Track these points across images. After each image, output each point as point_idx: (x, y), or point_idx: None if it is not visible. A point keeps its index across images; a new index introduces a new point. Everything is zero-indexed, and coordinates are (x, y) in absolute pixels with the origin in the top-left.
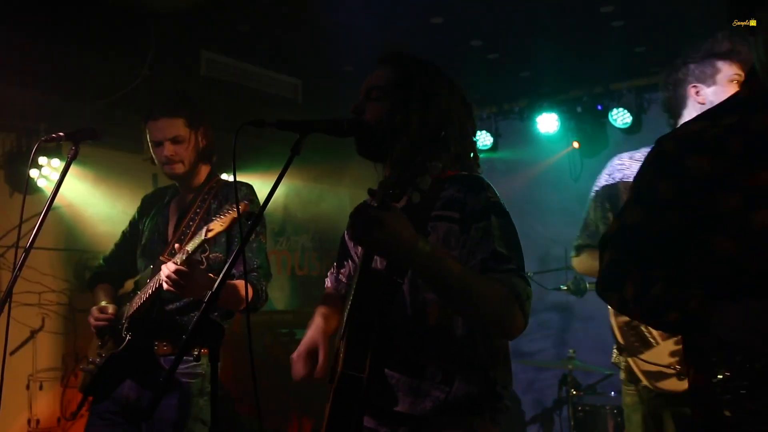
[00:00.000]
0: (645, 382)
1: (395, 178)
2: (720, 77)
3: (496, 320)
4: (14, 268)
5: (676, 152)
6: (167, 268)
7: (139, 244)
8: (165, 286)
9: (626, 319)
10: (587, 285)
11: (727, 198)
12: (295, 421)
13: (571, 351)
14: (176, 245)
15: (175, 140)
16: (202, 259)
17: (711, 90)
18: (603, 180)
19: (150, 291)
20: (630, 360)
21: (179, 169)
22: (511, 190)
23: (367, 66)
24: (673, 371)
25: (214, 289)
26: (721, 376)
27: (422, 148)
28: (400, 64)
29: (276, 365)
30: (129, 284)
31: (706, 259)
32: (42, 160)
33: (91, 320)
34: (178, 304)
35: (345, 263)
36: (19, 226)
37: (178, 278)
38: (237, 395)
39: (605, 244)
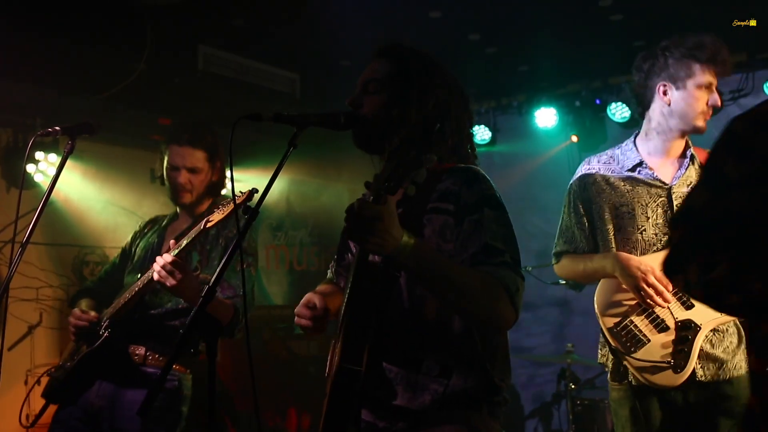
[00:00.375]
0: (640, 379)
1: (390, 171)
2: (691, 83)
3: (484, 313)
4: (11, 264)
5: (746, 132)
6: (162, 259)
7: (130, 263)
8: (156, 276)
9: (616, 320)
10: None
11: None
12: (294, 416)
13: (569, 345)
14: (171, 242)
15: (193, 170)
16: (198, 275)
17: (678, 94)
18: (577, 189)
19: (135, 290)
20: (624, 359)
21: (187, 198)
22: (510, 184)
23: (365, 61)
24: (667, 365)
25: (211, 284)
26: None
27: (418, 140)
28: (397, 56)
29: (274, 361)
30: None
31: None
32: (39, 155)
33: (72, 320)
34: (161, 309)
35: (345, 257)
36: (16, 221)
37: (173, 269)
38: (236, 390)
39: (675, 223)
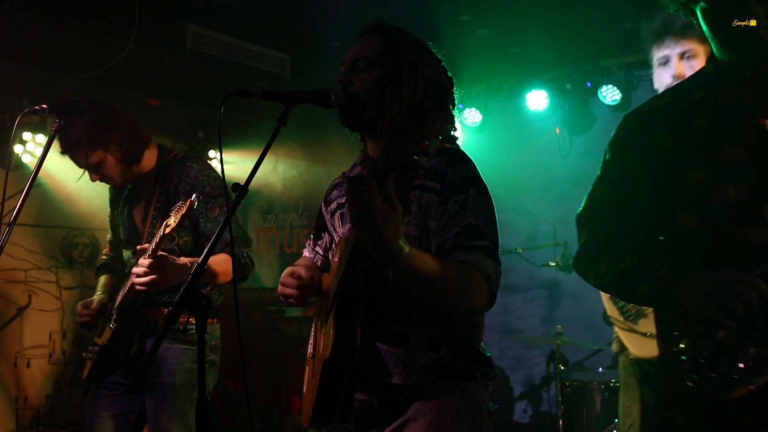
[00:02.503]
0: (631, 349)
1: (399, 141)
2: (654, 64)
3: (464, 303)
4: None
5: (640, 128)
6: (135, 273)
7: (119, 236)
8: (139, 287)
9: None
10: None
11: (690, 173)
12: (284, 398)
13: (559, 327)
14: (138, 247)
15: (92, 169)
16: (174, 247)
17: (655, 78)
18: None
19: (130, 283)
20: (618, 332)
21: (116, 183)
22: (500, 167)
23: (355, 41)
24: (648, 336)
25: (200, 261)
26: (682, 346)
27: (427, 112)
28: (385, 34)
29: (265, 343)
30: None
31: (672, 234)
32: (26, 135)
33: (77, 319)
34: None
35: (322, 235)
36: (2, 202)
37: (149, 278)
38: (227, 371)
39: (580, 222)
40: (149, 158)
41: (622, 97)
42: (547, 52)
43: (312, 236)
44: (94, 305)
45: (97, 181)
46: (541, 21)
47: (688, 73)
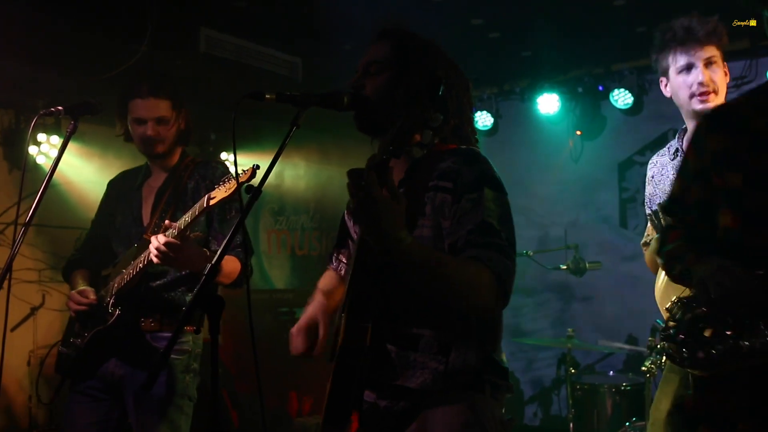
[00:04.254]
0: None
1: (395, 132)
2: (672, 71)
3: (474, 303)
4: (13, 245)
5: (703, 128)
6: (157, 241)
7: (113, 228)
8: (155, 259)
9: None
10: (587, 265)
11: (732, 176)
12: (295, 399)
13: (570, 330)
14: (166, 221)
15: (160, 121)
16: (190, 236)
17: (670, 84)
18: (645, 186)
19: (138, 267)
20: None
21: (159, 149)
22: (512, 170)
23: (367, 45)
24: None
25: (214, 262)
26: (672, 323)
27: (420, 105)
28: (397, 38)
29: (275, 344)
30: (108, 271)
31: (714, 231)
32: (41, 137)
33: (72, 305)
34: (164, 280)
35: (345, 243)
36: (18, 203)
37: (168, 250)
38: (236, 373)
39: (662, 210)
40: (176, 155)
41: (634, 101)
42: (559, 56)
43: (335, 245)
44: (92, 295)
45: (138, 143)
46: (553, 24)
47: (715, 78)
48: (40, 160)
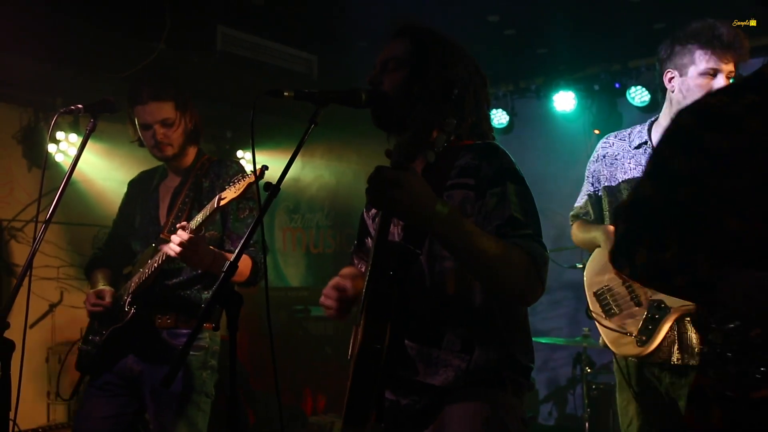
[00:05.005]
0: (608, 344)
1: (410, 137)
2: (692, 69)
3: (513, 285)
4: (33, 242)
5: (693, 127)
6: (178, 237)
7: (132, 228)
8: (172, 254)
9: (599, 286)
10: None
11: (737, 177)
12: (309, 397)
13: (585, 329)
14: (180, 223)
15: (165, 123)
16: (204, 235)
17: (681, 81)
18: (591, 160)
19: (154, 266)
20: (598, 326)
21: (169, 151)
22: (527, 168)
23: (382, 42)
24: (629, 336)
25: (233, 259)
26: (711, 338)
27: (436, 107)
28: (415, 35)
29: (290, 342)
30: (128, 269)
31: (717, 235)
32: (60, 135)
33: (87, 306)
34: (180, 278)
35: (365, 241)
36: (38, 200)
37: (187, 246)
38: (251, 370)
39: (617, 215)
40: (191, 154)
41: (651, 99)
42: (575, 53)
43: (356, 243)
44: (108, 297)
45: (149, 148)
46: (569, 21)
47: None
48: (59, 158)
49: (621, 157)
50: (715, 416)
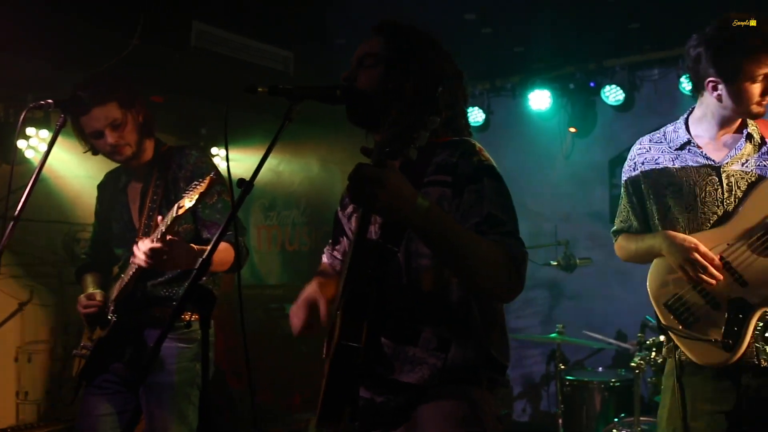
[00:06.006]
0: (689, 355)
1: (392, 134)
2: (741, 78)
3: (493, 282)
4: (1, 239)
5: None
6: (143, 246)
7: (111, 233)
8: (144, 265)
9: (668, 296)
10: (577, 261)
11: None
12: (286, 394)
13: (559, 326)
14: (159, 217)
15: (114, 125)
16: (178, 231)
17: (728, 88)
18: (627, 169)
19: (132, 272)
20: (675, 340)
21: (128, 151)
22: (503, 166)
23: (360, 39)
24: (714, 342)
25: (205, 256)
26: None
27: (419, 105)
28: (393, 32)
29: (266, 339)
30: (115, 270)
31: None
32: (30, 130)
33: (80, 308)
34: (160, 278)
35: (340, 240)
36: (7, 197)
37: (153, 256)
38: (228, 368)
39: None
40: (149, 148)
41: (625, 98)
42: (551, 52)
43: (330, 241)
44: (99, 297)
45: (105, 155)
46: (545, 20)
47: None
48: (29, 155)
49: (662, 160)
50: None
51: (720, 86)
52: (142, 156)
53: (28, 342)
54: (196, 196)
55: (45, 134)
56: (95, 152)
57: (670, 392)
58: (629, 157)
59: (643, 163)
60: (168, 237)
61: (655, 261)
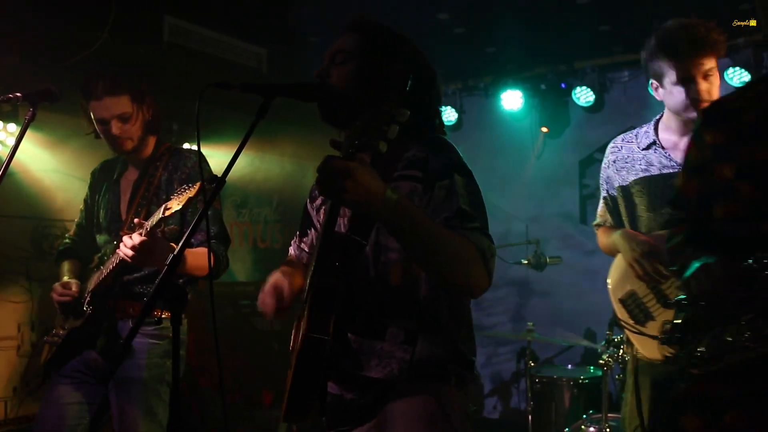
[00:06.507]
0: (641, 350)
1: (361, 126)
2: (667, 81)
3: (461, 275)
4: None
5: (701, 123)
6: (129, 241)
7: (96, 221)
8: (128, 259)
9: (625, 293)
10: (547, 260)
11: (725, 166)
12: (255, 392)
13: (530, 324)
14: (136, 219)
15: (122, 118)
16: (159, 232)
17: (663, 91)
18: (603, 167)
19: (112, 266)
20: (629, 335)
21: (129, 145)
22: (475, 165)
23: (333, 37)
24: (659, 338)
25: (176, 252)
26: (677, 321)
27: (388, 99)
28: (365, 29)
29: (237, 337)
30: (95, 259)
31: (710, 223)
32: None
33: (54, 296)
34: (138, 274)
35: (308, 232)
36: None
37: (139, 250)
38: (198, 365)
39: (672, 204)
40: (150, 145)
41: (596, 99)
42: (523, 53)
43: (297, 234)
44: (74, 288)
45: (106, 141)
46: (518, 21)
47: (713, 91)
48: None
49: (631, 159)
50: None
51: (659, 89)
52: (142, 152)
53: None
54: (185, 201)
55: (12, 128)
56: (98, 136)
57: (630, 390)
58: (605, 155)
59: (615, 162)
60: (156, 231)
61: (617, 257)
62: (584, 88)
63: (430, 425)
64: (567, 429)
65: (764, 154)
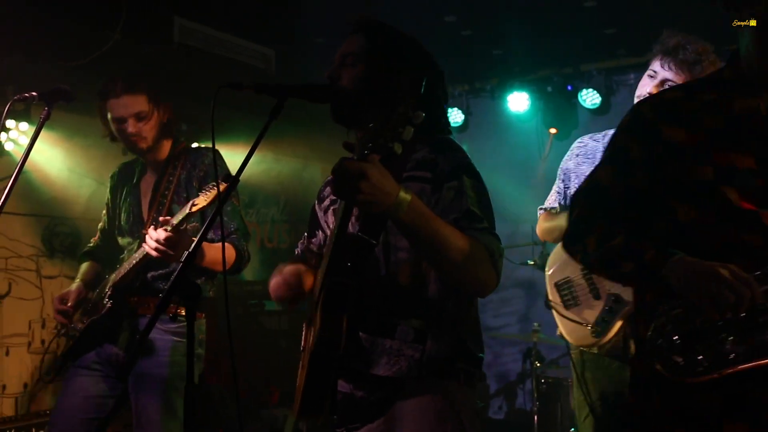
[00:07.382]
0: (564, 335)
1: (376, 128)
2: (648, 71)
3: (470, 275)
4: None
5: (652, 118)
6: (155, 235)
7: (117, 224)
8: (153, 253)
9: (561, 277)
10: None
11: (699, 169)
12: (264, 390)
13: (536, 325)
14: (161, 218)
15: (139, 116)
16: (186, 227)
17: (642, 81)
18: (565, 159)
19: (135, 261)
20: (556, 317)
21: (143, 144)
22: (481, 166)
23: (340, 39)
24: (586, 326)
25: (191, 249)
26: (654, 325)
27: (404, 101)
28: (373, 30)
29: (245, 336)
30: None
31: (668, 224)
32: (10, 123)
33: (56, 305)
34: (161, 271)
35: (315, 233)
36: None
37: (166, 245)
38: (207, 364)
39: (574, 200)
40: (166, 147)
41: (602, 101)
42: (529, 55)
43: (306, 234)
44: (70, 301)
45: (122, 141)
46: (524, 24)
47: None
48: (9, 147)
49: (593, 155)
50: (655, 401)
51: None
52: (158, 153)
53: (6, 335)
54: (212, 198)
55: (25, 127)
56: (113, 138)
57: (576, 385)
58: (570, 149)
59: (578, 155)
60: (182, 227)
61: (558, 245)
62: (590, 90)
63: (440, 422)
64: (573, 429)
65: (741, 162)
